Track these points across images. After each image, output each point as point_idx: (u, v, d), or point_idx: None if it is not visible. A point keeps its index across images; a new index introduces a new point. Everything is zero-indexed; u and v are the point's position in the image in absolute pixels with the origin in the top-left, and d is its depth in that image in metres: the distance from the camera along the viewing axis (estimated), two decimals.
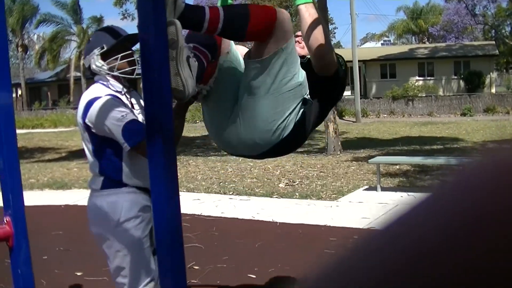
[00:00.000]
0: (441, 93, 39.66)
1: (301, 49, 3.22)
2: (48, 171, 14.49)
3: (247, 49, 3.08)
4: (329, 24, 25.88)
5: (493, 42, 45.26)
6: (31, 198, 9.14)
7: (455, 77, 40.96)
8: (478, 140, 19.43)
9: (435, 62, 41.79)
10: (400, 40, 61.27)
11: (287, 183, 11.16)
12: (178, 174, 2.37)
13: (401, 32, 57.77)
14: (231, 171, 13.54)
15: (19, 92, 49.81)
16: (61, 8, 47.90)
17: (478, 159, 0.35)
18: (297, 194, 10.16)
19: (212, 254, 6.47)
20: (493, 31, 51.84)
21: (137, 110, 3.58)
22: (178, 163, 2.34)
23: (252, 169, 13.17)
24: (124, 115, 3.32)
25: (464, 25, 50.09)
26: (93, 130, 3.42)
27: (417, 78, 41.30)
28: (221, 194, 10.59)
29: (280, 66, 2.80)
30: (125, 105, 3.45)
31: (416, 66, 42.10)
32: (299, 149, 6.33)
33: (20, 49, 49.27)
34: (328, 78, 3.09)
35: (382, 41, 66.83)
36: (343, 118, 34.00)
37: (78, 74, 45.93)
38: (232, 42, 3.08)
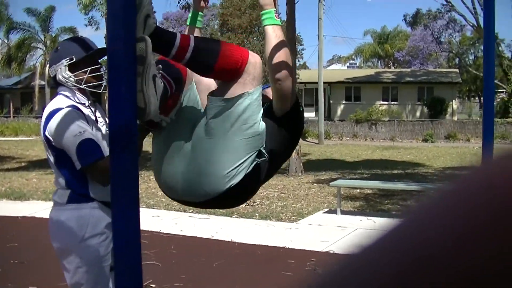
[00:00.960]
0: (404, 118, 40.05)
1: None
2: (7, 180, 14.27)
3: (214, 83, 3.06)
4: (298, 45, 26.12)
5: (457, 70, 45.97)
6: None
7: (419, 102, 41.44)
8: (438, 166, 19.65)
9: (400, 87, 42.26)
10: (366, 64, 61.88)
11: (247, 203, 11.15)
12: (139, 189, 2.36)
13: (368, 55, 58.38)
14: None
15: None
16: (32, 15, 47.45)
17: (479, 167, 0.35)
18: (257, 214, 10.15)
19: (170, 272, 6.42)
20: (457, 59, 52.65)
21: (101, 122, 3.55)
22: (139, 179, 2.32)
23: None
24: (82, 131, 3.29)
25: (429, 51, 50.80)
26: (53, 143, 3.38)
27: (382, 102, 41.67)
28: (180, 211, 10.52)
29: (243, 110, 2.74)
30: (87, 119, 3.41)
31: (381, 90, 42.50)
32: None
33: None
34: (289, 115, 3.06)
35: (348, 64, 67.38)
36: (306, 139, 34.13)
37: (43, 82, 45.47)
38: (194, 81, 3.03)
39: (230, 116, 2.74)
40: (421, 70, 46.99)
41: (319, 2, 32.76)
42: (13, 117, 44.29)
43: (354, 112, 38.55)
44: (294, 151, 15.85)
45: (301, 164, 16.55)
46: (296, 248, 7.60)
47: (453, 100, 41.54)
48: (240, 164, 2.78)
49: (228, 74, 2.72)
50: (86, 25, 35.61)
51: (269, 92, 3.22)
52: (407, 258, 0.32)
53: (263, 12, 3.00)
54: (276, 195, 12.28)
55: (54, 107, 3.41)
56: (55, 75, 3.52)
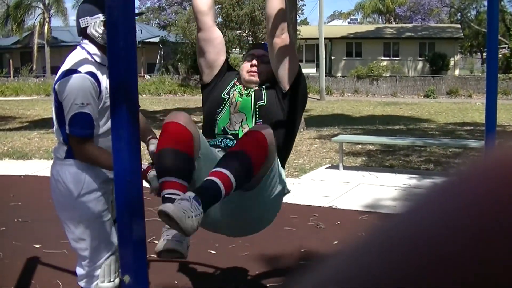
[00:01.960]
0: (406, 73, 39.86)
1: (254, 76, 3.38)
2: (8, 140, 14.26)
3: None
4: (298, 0, 25.87)
5: (459, 25, 45.58)
6: None
7: (420, 58, 41.19)
8: (440, 122, 19.62)
9: (401, 43, 41.96)
10: (367, 20, 61.38)
11: None
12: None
13: (369, 11, 57.86)
14: None
15: None
16: None
17: (486, 157, 0.33)
18: None
19: None
20: (459, 14, 52.20)
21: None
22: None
23: None
24: (85, 104, 3.29)
25: (430, 7, 50.32)
26: (58, 98, 3.38)
27: (383, 58, 41.43)
28: None
29: (275, 176, 3.08)
30: (101, 85, 3.38)
31: (382, 45, 42.20)
32: None
33: None
34: (296, 82, 3.24)
35: (349, 20, 66.85)
36: (308, 95, 34.01)
37: (41, 41, 45.14)
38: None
39: (266, 189, 3.10)
40: (422, 26, 46.60)
41: None
42: (13, 77, 44.09)
43: (355, 68, 38.39)
44: None
45: (302, 120, 16.51)
46: (298, 204, 7.61)
47: (455, 56, 41.30)
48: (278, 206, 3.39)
49: (263, 162, 2.89)
50: None
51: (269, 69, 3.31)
52: (408, 260, 0.30)
53: None
54: None
55: (74, 66, 3.37)
56: (86, 28, 3.44)
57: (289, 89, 3.26)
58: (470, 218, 0.29)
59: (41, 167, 10.04)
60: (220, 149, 3.24)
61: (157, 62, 46.14)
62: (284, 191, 3.24)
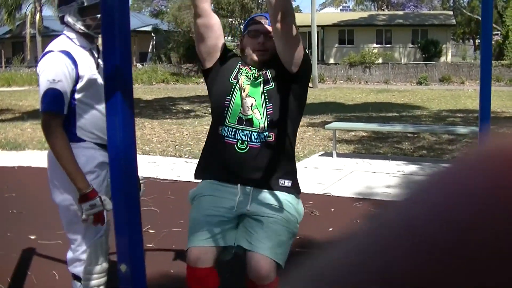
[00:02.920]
0: (398, 60, 39.86)
1: (264, 55, 3.37)
2: (1, 131, 14.23)
3: None
4: None
5: (451, 12, 45.55)
6: None
7: (413, 45, 41.18)
8: (433, 108, 19.65)
9: (393, 30, 41.93)
10: (359, 7, 61.35)
11: None
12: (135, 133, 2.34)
13: None
14: (187, 134, 13.49)
15: None
16: None
17: (482, 148, 0.32)
18: None
19: (168, 218, 6.44)
20: (452, 1, 52.20)
21: (98, 69, 3.55)
22: None
23: (207, 132, 13.05)
24: (56, 80, 3.32)
25: None
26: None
27: (375, 45, 41.40)
28: (176, 157, 10.55)
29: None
30: (77, 64, 3.42)
31: (374, 33, 42.17)
32: None
33: None
34: (304, 62, 3.30)
35: (341, 7, 66.79)
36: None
37: (33, 31, 44.93)
38: None
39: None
40: (414, 13, 46.60)
41: None
42: (5, 67, 43.91)
43: (347, 55, 38.38)
44: None
45: None
46: None
47: (447, 43, 41.30)
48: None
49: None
50: None
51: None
52: (405, 254, 0.29)
53: None
54: None
55: (50, 48, 3.46)
56: (63, 16, 3.52)
57: (296, 72, 3.26)
58: (469, 208, 0.29)
59: (34, 158, 10.01)
60: (232, 153, 3.35)
61: (149, 51, 46.04)
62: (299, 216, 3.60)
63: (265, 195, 3.35)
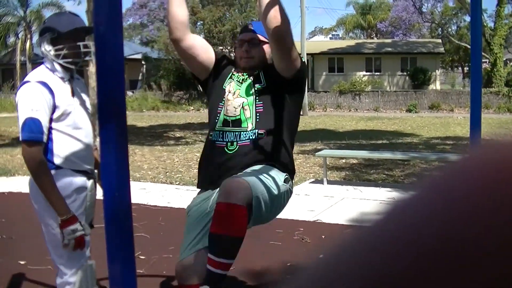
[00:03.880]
0: (388, 88, 40.06)
1: (249, 62, 3.44)
2: None
3: None
4: None
5: (439, 40, 45.91)
6: None
7: (402, 73, 41.41)
8: (423, 136, 19.72)
9: (382, 58, 42.17)
10: (349, 35, 61.72)
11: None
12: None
13: (350, 27, 58.22)
14: (177, 161, 13.49)
15: None
16: None
17: (470, 154, 0.34)
18: None
19: (158, 244, 6.43)
20: (440, 29, 52.62)
21: (77, 99, 3.62)
22: None
23: (198, 159, 13.06)
24: (35, 109, 3.39)
25: (411, 22, 50.69)
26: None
27: (364, 73, 41.61)
28: (167, 184, 10.53)
29: (267, 200, 3.14)
30: (54, 94, 3.50)
31: (364, 61, 42.39)
32: None
33: None
34: (300, 71, 3.30)
35: (330, 35, 67.18)
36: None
37: (24, 58, 44.93)
38: None
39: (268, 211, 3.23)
40: (403, 41, 46.93)
41: None
42: None
43: (337, 83, 38.53)
44: None
45: None
46: (283, 218, 7.56)
47: (436, 70, 41.57)
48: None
49: (244, 222, 3.05)
50: None
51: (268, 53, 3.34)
52: (396, 259, 0.30)
53: None
54: None
55: (27, 78, 3.56)
56: (40, 47, 3.63)
57: (290, 77, 3.30)
58: (461, 214, 0.29)
59: (24, 184, 9.91)
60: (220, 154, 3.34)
61: (139, 78, 46.09)
62: (287, 192, 3.39)
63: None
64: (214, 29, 36.04)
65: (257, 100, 3.34)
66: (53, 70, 3.57)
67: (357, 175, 11.32)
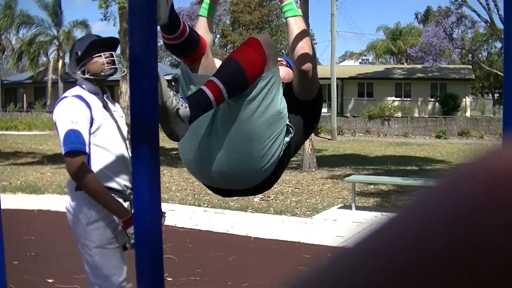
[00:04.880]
0: (416, 114, 39.89)
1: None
2: (21, 174, 14.33)
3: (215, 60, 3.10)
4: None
5: (470, 66, 45.70)
6: (3, 201, 9.01)
7: (431, 99, 41.22)
8: (452, 163, 19.55)
9: (412, 83, 42.04)
10: (379, 60, 61.64)
11: (261, 197, 11.12)
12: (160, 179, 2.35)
13: (380, 52, 58.13)
14: None
15: None
16: (43, 9, 47.30)
17: (471, 165, 0.33)
18: (271, 209, 10.14)
19: (186, 266, 6.43)
20: (470, 55, 52.40)
21: (115, 112, 3.70)
22: None
23: None
24: (75, 121, 3.47)
25: (442, 48, 50.54)
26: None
27: (394, 98, 41.49)
28: (195, 206, 10.54)
29: (269, 88, 2.78)
30: (91, 108, 3.58)
31: (393, 86, 42.29)
32: None
33: None
34: (314, 101, 3.12)
35: (360, 60, 67.13)
36: (319, 135, 34.06)
37: (55, 77, 45.54)
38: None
39: (255, 99, 2.77)
40: (433, 66, 46.75)
41: None
42: (26, 111, 44.40)
43: (366, 108, 38.45)
44: (308, 146, 15.67)
45: (314, 160, 16.52)
46: (311, 243, 7.59)
47: (466, 97, 41.31)
48: (275, 141, 2.84)
49: (259, 71, 2.75)
50: (102, 19, 35.09)
51: (282, 72, 3.21)
52: (398, 262, 0.30)
53: (283, 4, 3.00)
54: (290, 190, 12.27)
55: (64, 95, 3.67)
56: (70, 71, 3.79)
57: (305, 100, 3.16)
58: (464, 218, 0.29)
59: (54, 202, 10.06)
60: None
61: None
62: (281, 115, 2.87)
63: None
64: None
65: None
66: (85, 87, 3.66)
67: (386, 201, 11.24)
